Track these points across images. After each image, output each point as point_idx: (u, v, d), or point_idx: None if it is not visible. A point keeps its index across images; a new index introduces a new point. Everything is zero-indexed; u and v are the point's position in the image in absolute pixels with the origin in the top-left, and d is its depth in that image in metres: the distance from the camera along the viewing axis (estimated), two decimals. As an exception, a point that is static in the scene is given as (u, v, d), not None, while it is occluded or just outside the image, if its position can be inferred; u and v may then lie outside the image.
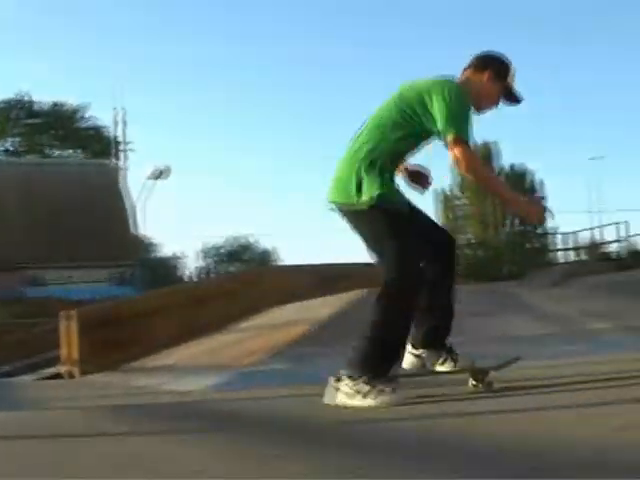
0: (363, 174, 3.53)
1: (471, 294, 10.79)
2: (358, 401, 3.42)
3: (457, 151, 3.40)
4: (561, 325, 8.62)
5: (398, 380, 3.66)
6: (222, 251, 49.99)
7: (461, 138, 3.42)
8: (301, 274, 14.07)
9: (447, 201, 37.64)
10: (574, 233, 29.44)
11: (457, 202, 37.89)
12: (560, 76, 54.26)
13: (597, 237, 28.81)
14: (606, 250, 27.89)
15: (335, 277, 13.35)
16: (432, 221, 4.05)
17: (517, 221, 35.96)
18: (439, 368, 3.80)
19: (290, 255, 73.40)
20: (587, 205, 55.48)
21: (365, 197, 3.51)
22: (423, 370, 3.81)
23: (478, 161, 3.69)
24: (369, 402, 3.40)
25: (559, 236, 31.71)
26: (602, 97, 53.22)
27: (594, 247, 28.71)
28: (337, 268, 14.39)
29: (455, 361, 3.77)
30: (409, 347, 3.74)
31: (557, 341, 7.64)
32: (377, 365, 3.51)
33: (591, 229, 29.57)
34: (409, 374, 3.83)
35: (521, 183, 36.91)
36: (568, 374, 4.38)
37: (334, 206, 3.68)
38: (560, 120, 56.40)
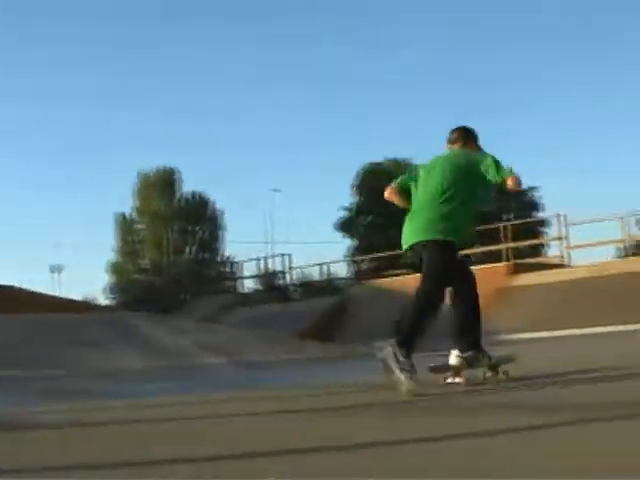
0: (445, 220, 4.93)
1: (89, 324, 10.17)
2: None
3: (512, 179, 4.87)
4: (170, 359, 8.32)
5: None
6: None
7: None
8: None
9: (126, 224, 36.77)
10: (248, 262, 30.02)
11: (136, 226, 37.14)
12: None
13: (268, 267, 29.61)
14: (276, 281, 28.73)
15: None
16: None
17: (195, 248, 36.07)
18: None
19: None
20: (264, 236, 57.11)
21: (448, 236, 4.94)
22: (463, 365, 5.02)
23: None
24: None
25: (235, 265, 32.16)
26: (283, 130, 54.77)
27: (265, 277, 29.45)
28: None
29: (490, 357, 4.99)
30: (456, 351, 4.99)
31: (158, 376, 7.36)
32: None
33: (258, 259, 30.11)
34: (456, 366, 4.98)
35: (202, 211, 37.07)
36: (148, 416, 4.34)
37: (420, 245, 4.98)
38: (243, 150, 56.96)
